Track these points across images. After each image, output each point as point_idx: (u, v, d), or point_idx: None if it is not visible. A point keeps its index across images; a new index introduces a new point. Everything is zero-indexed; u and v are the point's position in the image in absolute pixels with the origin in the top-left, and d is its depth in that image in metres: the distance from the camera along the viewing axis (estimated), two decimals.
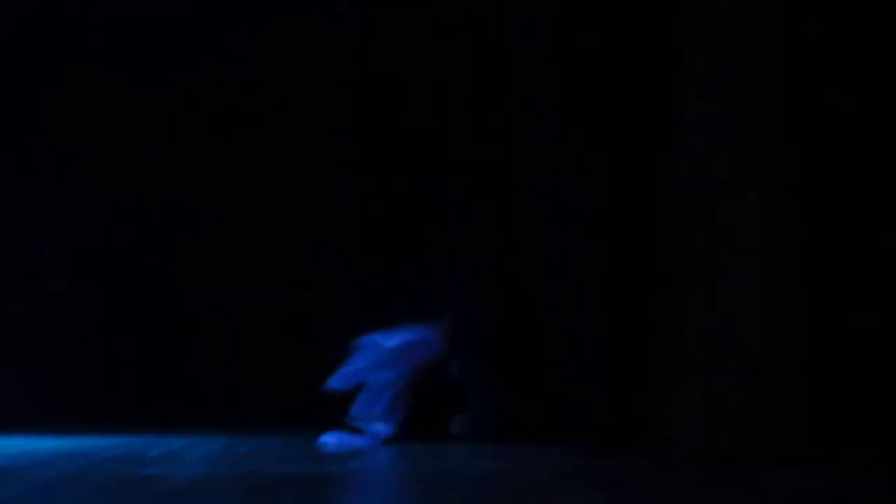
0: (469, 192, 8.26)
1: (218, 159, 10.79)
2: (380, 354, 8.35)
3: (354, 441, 8.09)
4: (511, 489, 4.93)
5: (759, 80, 5.78)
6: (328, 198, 10.10)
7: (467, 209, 8.29)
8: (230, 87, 10.68)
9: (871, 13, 5.55)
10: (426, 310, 8.54)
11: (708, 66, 6.03)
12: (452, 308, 8.41)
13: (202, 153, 10.81)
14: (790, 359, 5.64)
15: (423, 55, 8.99)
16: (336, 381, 8.32)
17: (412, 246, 9.06)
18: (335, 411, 9.51)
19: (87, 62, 10.63)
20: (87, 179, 10.90)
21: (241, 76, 10.68)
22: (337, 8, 9.94)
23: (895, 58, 5.51)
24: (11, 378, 11.26)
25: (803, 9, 5.67)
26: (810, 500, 4.29)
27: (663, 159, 6.37)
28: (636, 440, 6.36)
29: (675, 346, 6.02)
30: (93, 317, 11.31)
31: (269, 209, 10.77)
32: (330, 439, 8.09)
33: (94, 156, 10.83)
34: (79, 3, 10.59)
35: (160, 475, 5.67)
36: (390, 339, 8.38)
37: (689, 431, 5.83)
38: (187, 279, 11.24)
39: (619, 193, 6.85)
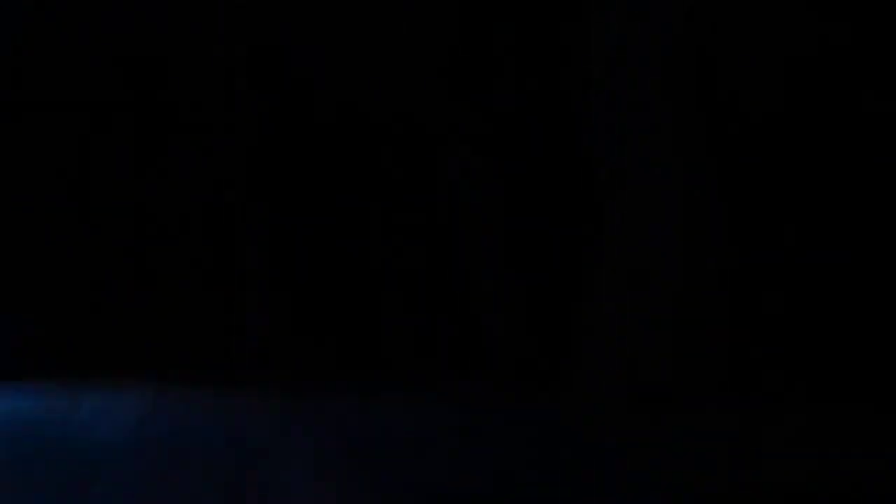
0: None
1: None
2: None
3: None
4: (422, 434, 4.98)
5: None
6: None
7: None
8: None
9: None
10: None
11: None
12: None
13: None
14: (710, 302, 5.74)
15: None
16: None
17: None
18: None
19: None
20: None
21: None
22: None
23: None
24: None
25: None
26: (726, 432, 4.41)
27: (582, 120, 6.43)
28: (561, 383, 6.43)
29: (600, 291, 6.08)
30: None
31: None
32: None
33: None
34: None
35: (83, 438, 5.63)
36: None
37: (613, 373, 5.90)
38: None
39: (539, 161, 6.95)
